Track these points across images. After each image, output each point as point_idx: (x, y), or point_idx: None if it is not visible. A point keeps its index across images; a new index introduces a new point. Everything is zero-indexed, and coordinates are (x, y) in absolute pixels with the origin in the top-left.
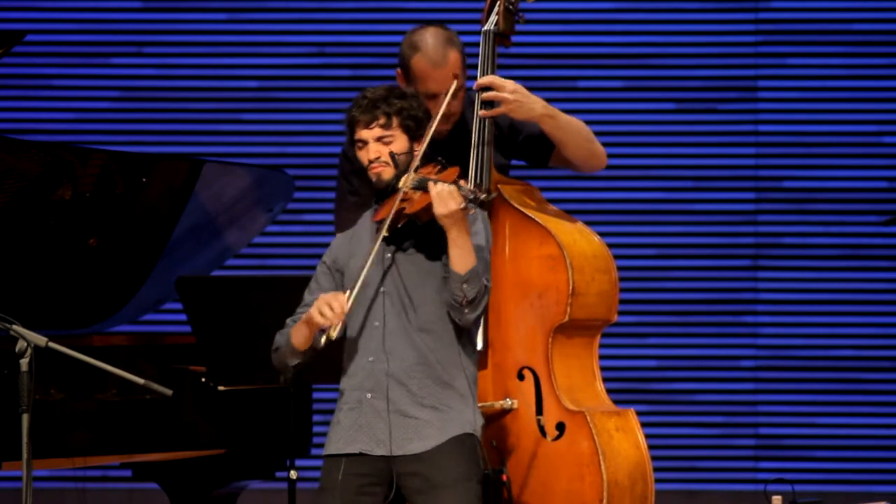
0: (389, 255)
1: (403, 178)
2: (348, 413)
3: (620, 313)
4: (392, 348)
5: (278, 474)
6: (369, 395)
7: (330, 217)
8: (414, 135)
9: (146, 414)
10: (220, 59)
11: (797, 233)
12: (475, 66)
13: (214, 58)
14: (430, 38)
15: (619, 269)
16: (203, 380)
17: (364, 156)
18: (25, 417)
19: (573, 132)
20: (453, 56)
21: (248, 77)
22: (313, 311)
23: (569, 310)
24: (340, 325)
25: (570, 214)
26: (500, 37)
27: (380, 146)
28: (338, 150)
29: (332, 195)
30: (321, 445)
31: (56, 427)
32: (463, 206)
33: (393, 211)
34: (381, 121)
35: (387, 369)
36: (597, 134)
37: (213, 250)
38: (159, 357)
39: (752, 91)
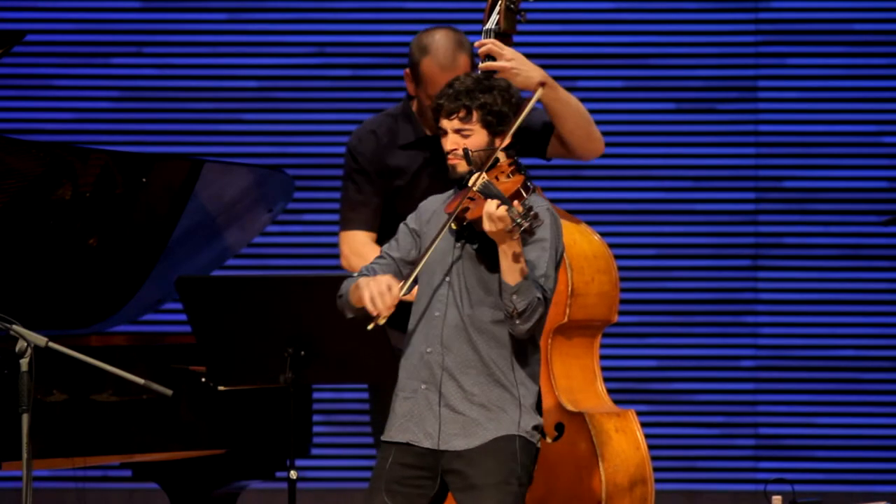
0: (459, 247)
1: (474, 178)
2: (403, 402)
3: (620, 313)
4: (449, 342)
5: (278, 474)
6: (423, 387)
7: (330, 217)
8: (494, 130)
9: (146, 414)
10: (220, 59)
11: (797, 233)
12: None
13: (214, 58)
14: (440, 40)
15: (619, 269)
16: (203, 380)
17: (444, 144)
18: (25, 417)
19: (572, 108)
20: (462, 60)
21: (248, 77)
22: (365, 293)
23: (568, 311)
24: (388, 315)
25: (572, 214)
26: (502, 36)
27: (458, 138)
28: (338, 150)
29: (332, 195)
30: (321, 445)
31: (56, 427)
32: (508, 229)
33: (458, 209)
34: (461, 114)
35: (442, 362)
36: None
37: (213, 250)
38: (159, 357)
39: (752, 91)
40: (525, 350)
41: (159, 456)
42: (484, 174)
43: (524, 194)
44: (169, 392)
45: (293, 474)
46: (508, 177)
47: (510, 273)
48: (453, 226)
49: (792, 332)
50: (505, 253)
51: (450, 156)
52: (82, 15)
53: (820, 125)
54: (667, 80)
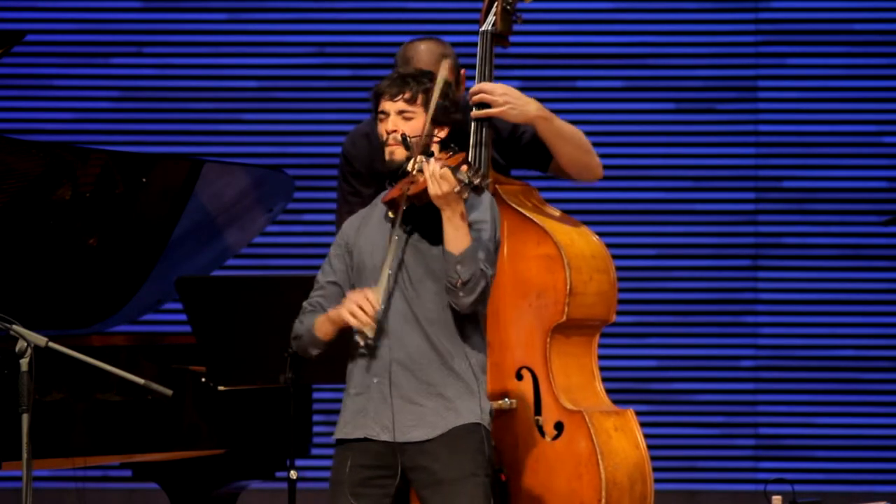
0: (399, 238)
1: (412, 162)
2: (355, 398)
3: (620, 313)
4: (398, 333)
5: (278, 474)
6: (375, 380)
7: (330, 217)
8: (436, 118)
9: (146, 414)
10: (220, 59)
11: (797, 233)
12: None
13: (214, 58)
14: (423, 52)
15: (619, 269)
16: (203, 380)
17: (383, 128)
18: (25, 417)
19: (568, 139)
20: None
21: (248, 77)
22: (344, 312)
23: (566, 309)
24: (374, 324)
25: (570, 215)
26: (498, 37)
27: (399, 120)
28: (338, 150)
29: (332, 195)
30: (321, 445)
31: (56, 427)
32: (457, 189)
33: (399, 193)
34: (406, 95)
35: (392, 354)
36: (596, 134)
37: (213, 250)
38: (159, 357)
39: (752, 91)
40: (474, 340)
41: (159, 456)
42: (422, 157)
43: (470, 163)
44: (169, 392)
45: (293, 474)
46: (449, 157)
47: (455, 240)
48: (391, 214)
49: (792, 332)
50: (450, 219)
51: (389, 140)
52: (82, 15)
53: (820, 125)
54: (667, 80)
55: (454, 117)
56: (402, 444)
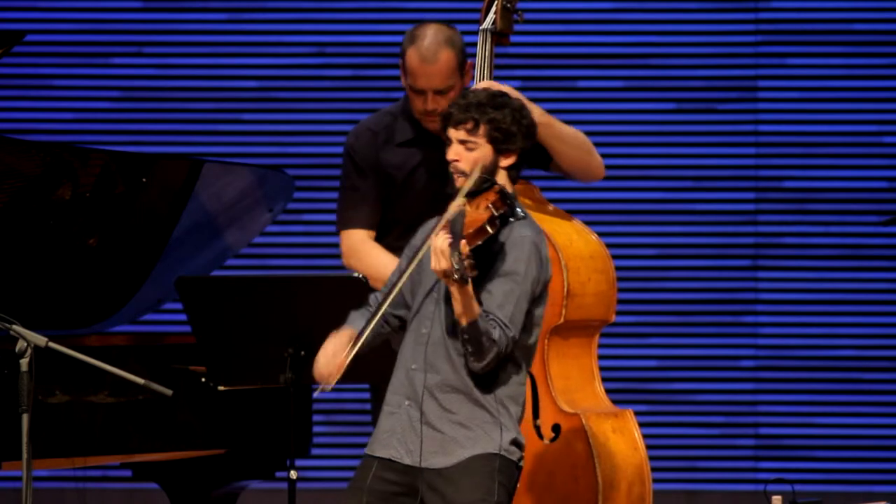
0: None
1: (454, 203)
2: (388, 417)
3: (620, 313)
4: (432, 360)
5: (278, 474)
6: (407, 403)
7: (331, 217)
8: (500, 148)
9: (146, 414)
10: (220, 59)
11: (797, 233)
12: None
13: (214, 58)
14: (428, 33)
15: (619, 269)
16: (203, 380)
17: (447, 153)
18: (25, 417)
19: (569, 142)
20: (445, 56)
21: (248, 77)
22: (320, 354)
23: (564, 311)
24: (334, 380)
25: (570, 214)
26: (498, 35)
27: (461, 149)
28: (338, 150)
29: (332, 195)
30: (321, 445)
31: (56, 427)
32: (447, 272)
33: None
34: (469, 125)
35: (424, 380)
36: (597, 134)
37: (213, 250)
38: (159, 357)
39: (752, 91)
40: (505, 370)
41: (159, 456)
42: (462, 199)
43: (488, 230)
44: (169, 392)
45: (293, 474)
46: (487, 208)
47: (459, 314)
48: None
49: (792, 332)
50: (452, 293)
51: (452, 167)
52: (82, 15)
53: (820, 125)
54: (667, 80)
55: (517, 146)
56: (423, 469)
